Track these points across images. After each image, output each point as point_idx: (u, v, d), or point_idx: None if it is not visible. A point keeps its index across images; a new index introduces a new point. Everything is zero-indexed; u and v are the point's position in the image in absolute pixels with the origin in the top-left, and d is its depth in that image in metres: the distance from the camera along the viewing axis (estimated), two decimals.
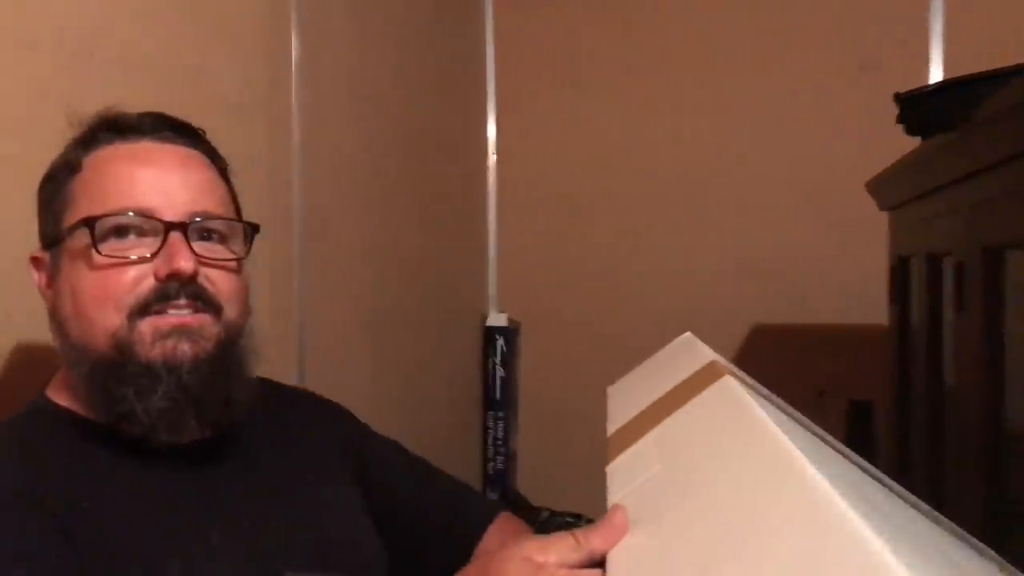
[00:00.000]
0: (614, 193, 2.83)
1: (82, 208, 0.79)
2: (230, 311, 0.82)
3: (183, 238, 0.79)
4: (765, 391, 0.89)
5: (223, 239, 0.83)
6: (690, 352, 0.89)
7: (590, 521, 2.57)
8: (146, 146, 0.82)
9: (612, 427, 0.82)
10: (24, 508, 0.70)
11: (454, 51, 2.71)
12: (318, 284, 1.77)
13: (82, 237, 0.78)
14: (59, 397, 0.82)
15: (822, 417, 2.54)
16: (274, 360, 1.59)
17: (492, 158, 2.88)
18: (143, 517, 0.75)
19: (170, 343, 0.77)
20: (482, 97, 2.86)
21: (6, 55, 1.02)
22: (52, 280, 0.82)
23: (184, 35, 1.38)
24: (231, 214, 0.86)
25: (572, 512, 2.63)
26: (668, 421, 0.74)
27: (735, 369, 0.85)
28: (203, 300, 0.79)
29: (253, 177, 1.70)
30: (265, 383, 0.93)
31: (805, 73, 2.64)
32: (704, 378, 0.77)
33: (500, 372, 2.79)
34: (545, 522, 2.63)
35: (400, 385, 2.23)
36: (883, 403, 1.90)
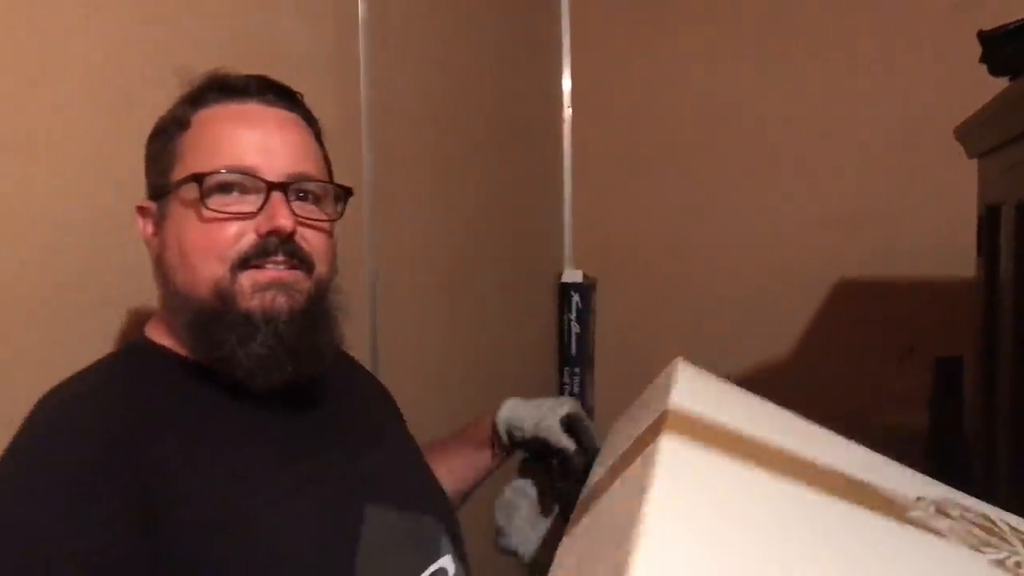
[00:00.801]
0: (692, 147, 2.77)
1: (190, 163, 0.83)
2: (321, 268, 0.86)
3: (283, 198, 0.83)
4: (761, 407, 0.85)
5: (317, 200, 0.88)
6: (656, 397, 0.84)
7: None
8: (251, 107, 0.86)
9: (588, 485, 0.82)
10: (101, 484, 0.73)
11: (528, 2, 2.68)
12: (389, 243, 1.79)
13: (190, 191, 0.83)
14: (158, 337, 0.88)
15: (909, 374, 2.47)
16: (346, 320, 1.64)
17: (567, 112, 2.85)
18: (237, 450, 0.80)
19: (268, 295, 0.82)
20: (557, 49, 2.83)
21: (81, 16, 1.06)
22: (158, 229, 0.87)
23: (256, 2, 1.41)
24: (325, 176, 0.90)
25: None
26: (594, 507, 0.71)
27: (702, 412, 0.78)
28: (298, 257, 0.84)
29: (324, 132, 1.74)
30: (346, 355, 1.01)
31: (895, 14, 2.52)
32: (642, 444, 0.72)
33: (575, 328, 2.79)
34: None
35: (475, 342, 2.25)
36: (971, 359, 1.83)
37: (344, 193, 0.91)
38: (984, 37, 1.13)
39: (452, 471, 1.05)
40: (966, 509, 0.81)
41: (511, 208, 2.51)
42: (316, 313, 0.85)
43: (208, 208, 0.82)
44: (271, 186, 0.83)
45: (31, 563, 0.70)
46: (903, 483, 0.82)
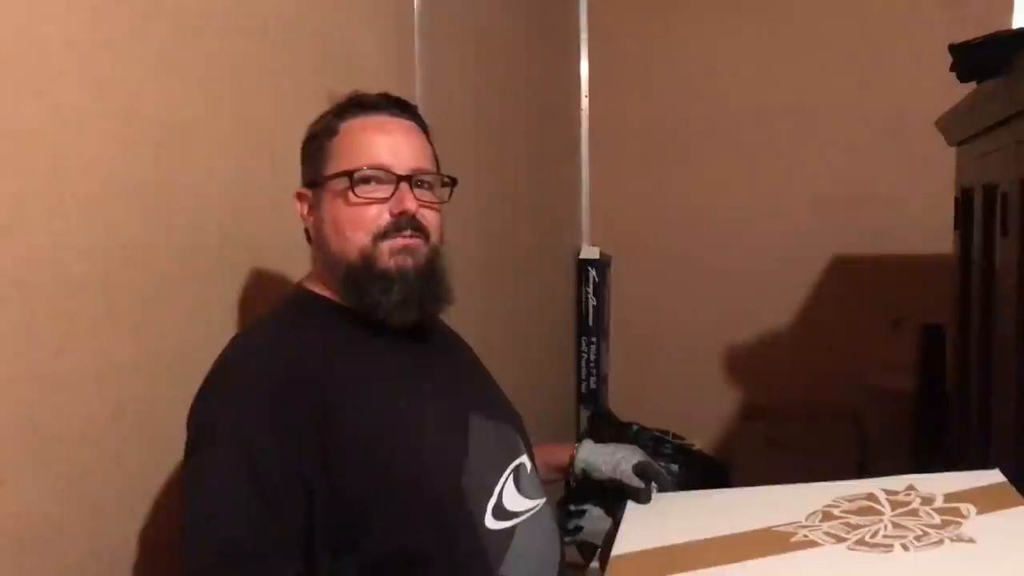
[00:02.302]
0: (700, 133, 2.99)
1: (340, 162, 1.10)
2: (435, 237, 1.13)
3: (408, 187, 1.09)
4: None
5: (431, 187, 1.14)
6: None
7: (676, 436, 2.82)
8: (383, 119, 1.12)
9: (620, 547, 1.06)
10: (275, 390, 1.00)
11: (550, 2, 2.88)
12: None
13: (341, 183, 1.09)
14: (316, 288, 1.14)
15: (899, 342, 2.69)
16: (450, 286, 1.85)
17: (585, 99, 3.07)
18: (380, 371, 1.07)
19: (400, 258, 1.09)
20: (575, 38, 3.04)
21: (211, 43, 1.28)
22: (313, 210, 1.13)
23: (334, 11, 1.62)
24: (435, 169, 1.16)
25: (659, 428, 2.86)
26: None
27: None
28: (419, 230, 1.10)
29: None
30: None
31: (889, 10, 2.73)
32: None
33: (592, 301, 3.02)
34: (636, 435, 2.87)
35: (504, 313, 2.47)
36: (951, 326, 2.05)
37: (452, 181, 1.17)
38: (953, 48, 1.35)
39: None
40: (850, 500, 1.06)
41: (535, 190, 2.73)
42: (433, 270, 1.12)
43: (356, 195, 1.08)
44: (400, 178, 1.09)
45: (232, 454, 0.95)
46: (802, 507, 1.06)
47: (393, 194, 1.09)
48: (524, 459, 1.16)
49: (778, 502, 1.10)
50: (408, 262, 1.09)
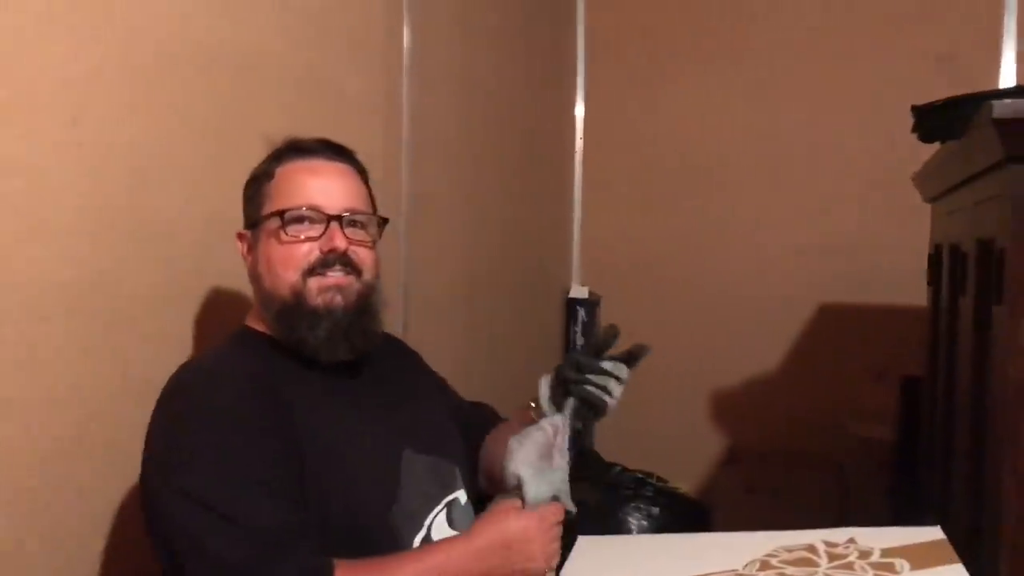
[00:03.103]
0: (691, 179, 3.03)
1: (274, 203, 1.15)
2: (367, 275, 1.16)
3: (339, 226, 1.13)
4: None
5: (364, 226, 1.18)
6: None
7: (660, 479, 2.82)
8: (317, 163, 1.17)
9: None
10: (250, 383, 1.06)
11: (548, 46, 2.95)
12: (420, 257, 2.05)
13: (274, 222, 1.14)
14: (257, 325, 1.18)
15: (881, 392, 2.69)
16: (384, 313, 1.89)
17: (579, 143, 3.11)
18: (315, 405, 1.10)
19: (328, 295, 1.12)
20: (572, 86, 3.09)
21: (190, 75, 1.33)
22: (252, 249, 1.18)
23: (321, 49, 1.67)
24: (369, 210, 1.20)
25: (641, 470, 2.87)
26: None
27: None
28: (350, 267, 1.14)
29: (369, 162, 1.99)
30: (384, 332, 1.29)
31: (882, 61, 2.77)
32: None
33: (580, 339, 3.04)
34: (617, 476, 2.88)
35: (490, 347, 2.50)
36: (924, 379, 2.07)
37: (383, 221, 1.22)
38: (916, 110, 1.38)
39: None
40: (789, 550, 1.08)
41: (526, 228, 2.77)
42: (364, 307, 1.15)
43: (287, 234, 1.13)
44: (330, 218, 1.13)
45: (222, 456, 0.99)
46: (743, 555, 1.09)
47: (324, 232, 1.13)
48: (459, 494, 1.19)
49: (722, 548, 1.11)
50: (337, 299, 1.12)
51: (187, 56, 1.33)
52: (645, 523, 2.74)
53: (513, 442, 1.09)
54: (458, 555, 1.03)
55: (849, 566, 1.02)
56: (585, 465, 3.00)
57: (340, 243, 1.12)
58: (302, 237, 1.12)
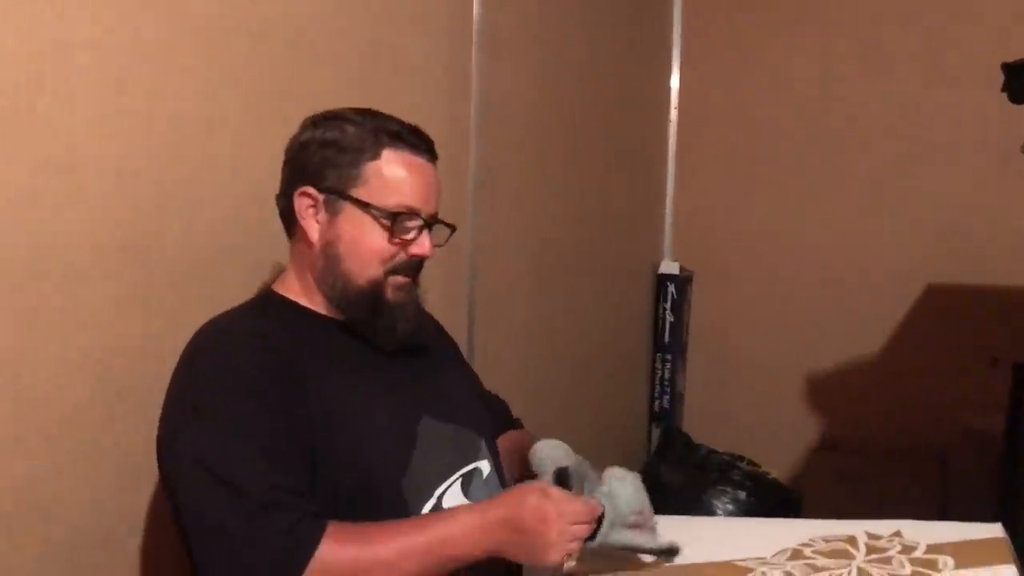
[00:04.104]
0: (793, 150, 2.87)
1: (372, 187, 1.14)
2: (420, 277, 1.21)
3: (428, 232, 1.17)
4: None
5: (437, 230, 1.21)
6: None
7: (751, 463, 2.72)
8: (421, 161, 1.18)
9: None
10: (262, 349, 1.08)
11: (639, 14, 2.85)
12: (489, 234, 2.02)
13: (381, 215, 1.14)
14: (287, 292, 1.19)
15: (993, 380, 2.52)
16: (447, 296, 1.88)
17: (674, 110, 3.01)
18: (337, 368, 1.12)
19: (401, 294, 1.17)
20: (667, 51, 2.98)
21: (242, 45, 1.34)
22: (327, 217, 1.15)
23: (382, 17, 1.66)
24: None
25: (729, 452, 2.77)
26: None
27: None
28: (419, 272, 1.19)
29: (435, 132, 1.96)
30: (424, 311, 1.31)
31: (1000, 28, 2.56)
32: None
33: (670, 317, 2.96)
34: (704, 458, 2.79)
35: (569, 324, 2.45)
36: None
37: (451, 230, 1.25)
38: (1006, 68, 1.25)
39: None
40: (828, 540, 1.01)
41: (613, 200, 2.70)
42: (419, 306, 1.20)
43: (393, 234, 1.14)
44: (425, 223, 1.16)
45: (236, 415, 1.02)
46: (776, 543, 1.02)
47: (416, 237, 1.16)
48: (481, 465, 1.18)
49: (756, 535, 1.05)
50: (407, 298, 1.17)
51: (238, 26, 1.35)
52: (731, 507, 2.65)
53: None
54: (463, 526, 1.00)
55: (887, 560, 0.94)
56: (671, 445, 2.93)
57: (430, 252, 1.17)
58: (403, 239, 1.15)
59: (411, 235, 1.15)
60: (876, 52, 2.74)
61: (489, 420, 1.25)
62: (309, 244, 1.17)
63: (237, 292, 1.28)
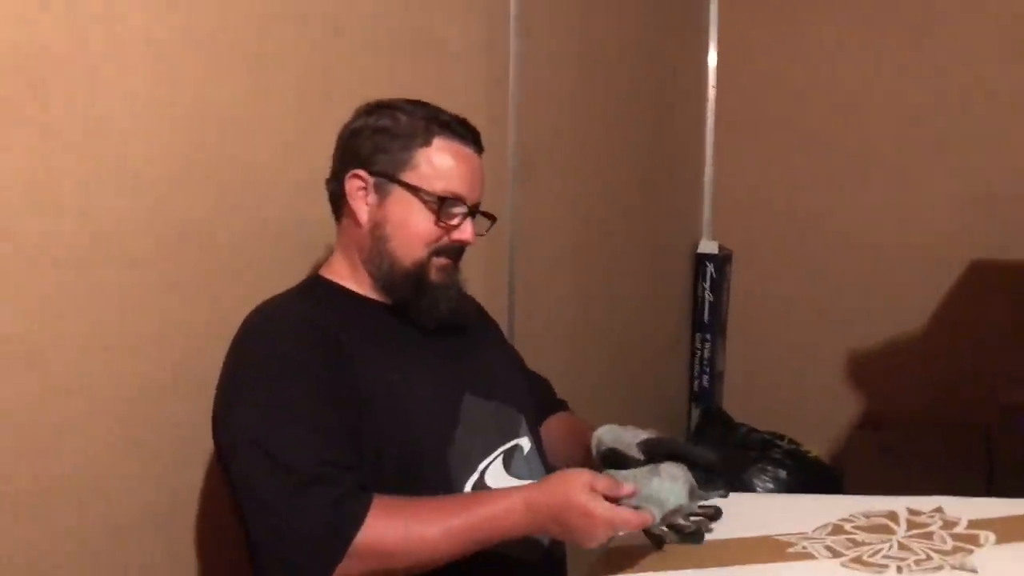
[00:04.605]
0: (833, 126, 2.85)
1: (421, 172, 1.19)
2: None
3: (471, 219, 1.21)
4: None
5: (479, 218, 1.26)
6: None
7: (792, 441, 2.72)
8: (469, 151, 1.22)
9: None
10: (310, 331, 1.12)
11: None
12: (529, 210, 2.04)
13: (430, 199, 1.18)
14: (334, 276, 1.23)
15: None
16: (487, 277, 1.91)
17: (712, 88, 2.99)
18: (382, 346, 1.17)
19: (444, 275, 1.21)
20: (704, 28, 2.96)
21: (289, 33, 1.37)
22: (377, 199, 1.20)
23: (419, 3, 1.68)
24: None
25: (770, 431, 2.77)
26: None
27: None
28: (461, 256, 1.23)
29: (473, 115, 1.96)
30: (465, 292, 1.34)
31: None
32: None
33: (709, 296, 2.96)
34: (744, 436, 2.80)
35: (608, 304, 2.46)
36: None
37: (492, 221, 1.30)
38: None
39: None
40: (868, 516, 1.02)
41: (651, 180, 2.70)
42: (460, 286, 1.24)
43: (440, 218, 1.19)
44: (469, 211, 1.21)
45: (286, 390, 1.06)
46: (817, 518, 1.03)
47: (461, 223, 1.20)
48: (522, 441, 1.21)
49: (797, 510, 1.06)
50: (449, 281, 1.21)
51: (281, 14, 1.37)
52: (771, 485, 2.65)
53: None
54: (508, 511, 1.02)
55: (928, 535, 0.95)
56: (710, 424, 2.94)
57: (472, 239, 1.21)
58: (452, 224, 1.19)
59: (456, 220, 1.19)
60: (916, 24, 2.71)
61: (529, 397, 1.28)
62: (358, 225, 1.21)
63: (287, 276, 1.32)
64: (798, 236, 2.92)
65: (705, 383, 3.00)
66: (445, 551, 1.01)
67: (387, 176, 1.19)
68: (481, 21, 1.88)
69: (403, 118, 1.20)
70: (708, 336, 2.98)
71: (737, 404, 2.99)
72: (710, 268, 2.96)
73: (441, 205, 1.18)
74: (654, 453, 1.08)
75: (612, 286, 2.49)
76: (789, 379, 2.94)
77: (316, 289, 1.22)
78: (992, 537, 0.92)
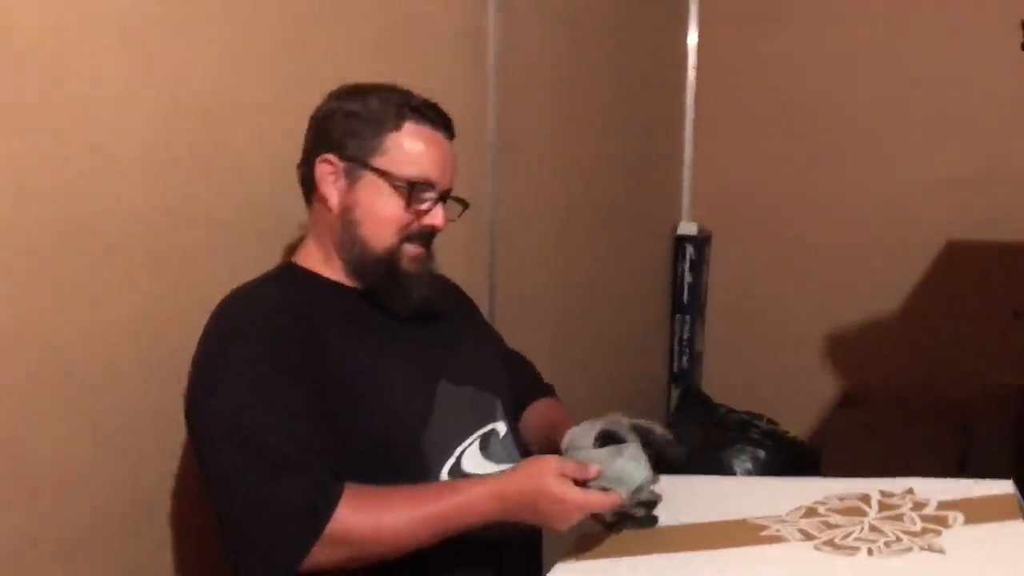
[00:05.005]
0: (812, 106, 2.85)
1: (391, 157, 1.18)
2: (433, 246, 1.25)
3: (442, 205, 1.21)
4: None
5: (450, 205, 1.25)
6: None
7: (770, 421, 2.74)
8: (439, 136, 1.22)
9: None
10: (283, 318, 1.12)
11: None
12: (510, 191, 2.03)
13: (399, 184, 1.18)
14: (307, 263, 1.23)
15: (1017, 336, 2.52)
16: (468, 259, 1.91)
17: (691, 69, 2.99)
18: (355, 332, 1.16)
19: (415, 264, 1.21)
20: (684, 9, 2.96)
21: (264, 15, 1.36)
22: (347, 184, 1.19)
23: None
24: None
25: (749, 412, 2.80)
26: None
27: None
28: (431, 241, 1.23)
29: (453, 97, 1.97)
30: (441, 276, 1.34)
31: None
32: None
33: (688, 278, 2.97)
34: (722, 417, 2.82)
35: (588, 286, 2.47)
36: None
37: (463, 206, 1.29)
38: None
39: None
40: (841, 498, 1.03)
41: (630, 162, 2.70)
42: (433, 274, 1.24)
43: (410, 203, 1.18)
44: (440, 196, 1.20)
45: (255, 378, 1.06)
46: (790, 502, 1.04)
47: (431, 208, 1.20)
48: (498, 425, 1.22)
49: (772, 493, 1.08)
50: (420, 268, 1.21)
51: None
52: (750, 466, 2.68)
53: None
54: (479, 498, 1.03)
55: (899, 517, 0.96)
56: (689, 404, 2.96)
57: (442, 224, 1.21)
58: (421, 210, 1.19)
59: (426, 205, 1.19)
60: (896, 8, 2.71)
61: (507, 381, 1.29)
62: (328, 210, 1.20)
63: (267, 263, 1.31)
64: (777, 217, 2.93)
65: (685, 364, 3.01)
66: (415, 540, 1.02)
67: (357, 161, 1.19)
68: (463, 3, 1.86)
69: (374, 103, 1.20)
70: (687, 317, 2.99)
71: (716, 385, 3.01)
72: (689, 249, 2.97)
73: (411, 190, 1.17)
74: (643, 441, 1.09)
75: (592, 269, 2.50)
76: (768, 360, 2.97)
77: (289, 275, 1.22)
78: (960, 518, 0.93)
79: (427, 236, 1.21)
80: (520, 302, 2.10)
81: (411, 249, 1.20)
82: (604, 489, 1.01)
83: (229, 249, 1.33)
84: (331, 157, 1.20)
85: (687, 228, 2.98)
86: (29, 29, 1.04)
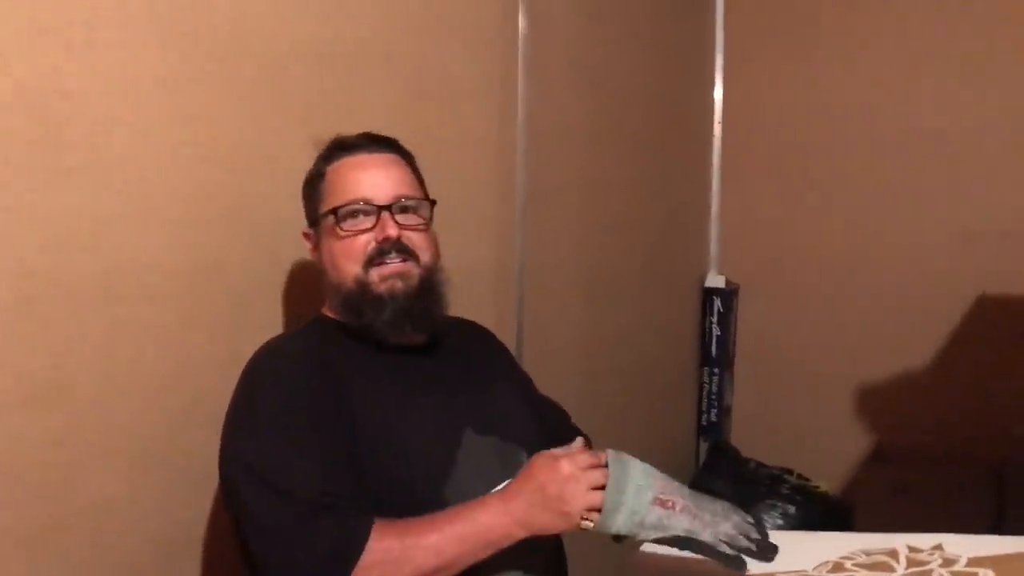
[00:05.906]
0: (839, 158, 2.87)
1: (328, 202, 1.22)
2: (424, 257, 1.22)
3: (390, 214, 1.20)
4: None
5: (415, 210, 1.24)
6: None
7: (801, 476, 2.71)
8: (362, 157, 1.24)
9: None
10: (312, 365, 1.15)
11: (682, 21, 2.87)
12: (538, 245, 2.06)
13: (330, 220, 1.21)
14: (329, 313, 1.27)
15: None
16: (496, 312, 1.93)
17: (718, 123, 3.02)
18: (378, 384, 1.17)
19: (390, 283, 1.19)
20: (710, 63, 3.01)
21: (298, 73, 1.41)
22: (317, 246, 1.26)
23: (432, 39, 1.72)
24: (418, 194, 1.26)
25: (779, 466, 2.77)
26: None
27: None
28: (406, 252, 1.20)
29: (484, 152, 2.03)
30: (460, 319, 1.35)
31: None
32: None
33: (716, 331, 2.97)
34: (753, 472, 2.79)
35: (616, 339, 2.48)
36: None
37: (431, 203, 1.26)
38: None
39: None
40: (869, 553, 1.03)
41: (658, 215, 2.72)
42: (426, 289, 1.21)
43: (342, 229, 1.20)
44: (380, 208, 1.20)
45: (288, 424, 1.08)
46: (817, 556, 1.04)
47: (376, 223, 1.19)
48: None
49: (799, 547, 1.07)
50: (399, 285, 1.19)
51: (293, 55, 1.41)
52: (781, 522, 2.65)
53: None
54: (486, 505, 1.05)
55: (927, 573, 0.96)
56: (718, 458, 2.93)
57: (392, 231, 1.18)
58: (357, 230, 1.19)
59: (366, 224, 1.19)
60: (921, 58, 2.74)
61: (534, 431, 1.28)
62: (323, 272, 1.26)
63: (293, 314, 1.34)
64: (805, 270, 2.94)
65: (713, 417, 3.00)
66: (443, 562, 1.03)
67: (314, 220, 1.25)
68: (490, 57, 1.92)
69: (313, 164, 1.27)
70: (716, 370, 2.99)
71: (745, 439, 2.98)
72: (717, 302, 2.98)
73: (336, 215, 1.19)
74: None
75: (620, 320, 2.51)
76: (797, 413, 2.94)
77: (317, 326, 1.25)
78: (991, 574, 0.92)
79: (389, 250, 1.18)
80: (547, 355, 2.12)
81: (378, 271, 1.19)
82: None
83: (268, 299, 1.37)
84: (306, 230, 1.28)
85: (715, 280, 2.99)
86: (75, 88, 1.09)
